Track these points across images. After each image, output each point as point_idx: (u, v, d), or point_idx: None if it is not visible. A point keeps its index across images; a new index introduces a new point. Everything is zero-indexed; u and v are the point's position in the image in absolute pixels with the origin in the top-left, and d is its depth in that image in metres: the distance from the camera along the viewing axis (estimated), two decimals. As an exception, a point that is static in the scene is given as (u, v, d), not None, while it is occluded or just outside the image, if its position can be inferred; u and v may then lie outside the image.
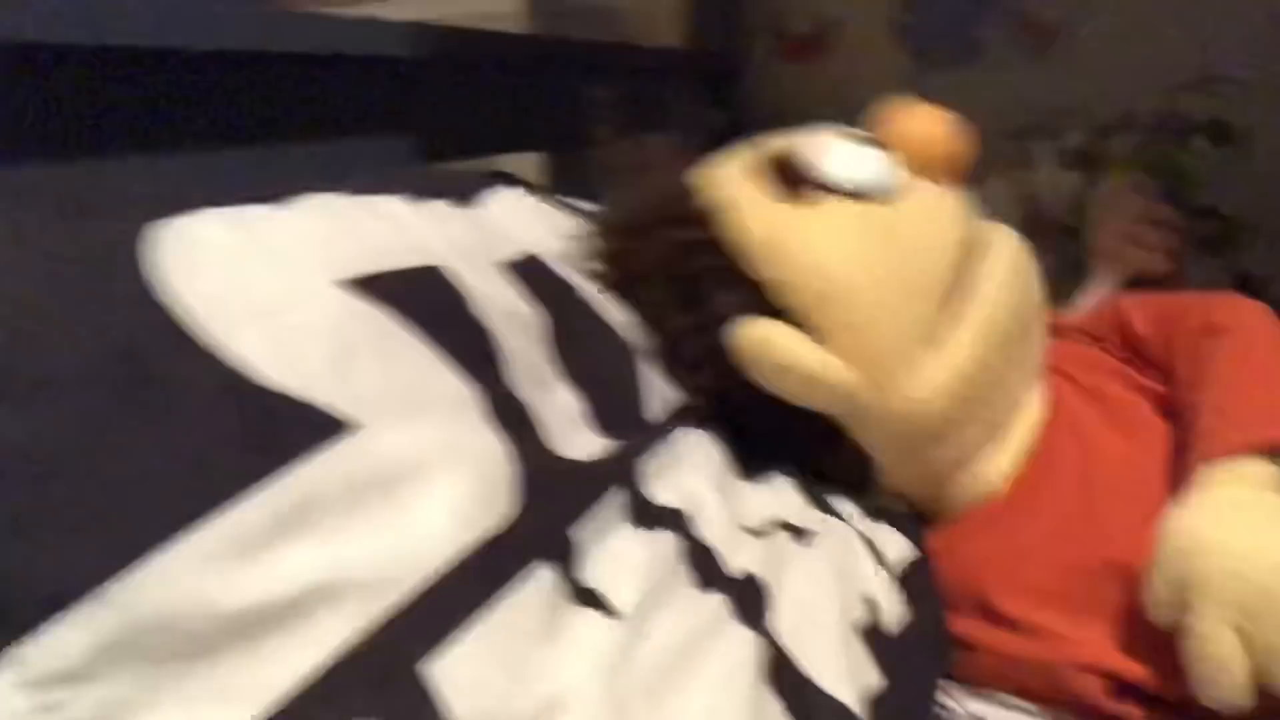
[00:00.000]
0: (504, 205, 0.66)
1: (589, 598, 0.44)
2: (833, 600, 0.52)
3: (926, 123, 0.66)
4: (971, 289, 0.64)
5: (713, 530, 0.52)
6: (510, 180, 1.01)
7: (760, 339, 0.61)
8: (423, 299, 0.48)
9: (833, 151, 0.64)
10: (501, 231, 0.61)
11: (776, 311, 0.61)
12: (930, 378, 0.62)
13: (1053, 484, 0.64)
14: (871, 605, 0.55)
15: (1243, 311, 0.64)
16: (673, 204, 0.63)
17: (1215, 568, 0.50)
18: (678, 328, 0.63)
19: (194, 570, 0.34)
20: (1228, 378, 0.60)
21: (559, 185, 1.57)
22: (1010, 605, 0.61)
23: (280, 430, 0.38)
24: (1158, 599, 0.53)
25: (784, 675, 0.46)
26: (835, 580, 0.53)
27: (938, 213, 0.65)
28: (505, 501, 0.44)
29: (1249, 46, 1.32)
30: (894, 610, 0.57)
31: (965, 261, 0.64)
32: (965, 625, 0.62)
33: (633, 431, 0.58)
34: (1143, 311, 0.70)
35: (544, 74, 1.14)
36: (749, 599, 0.49)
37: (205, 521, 0.35)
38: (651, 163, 0.70)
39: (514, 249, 0.60)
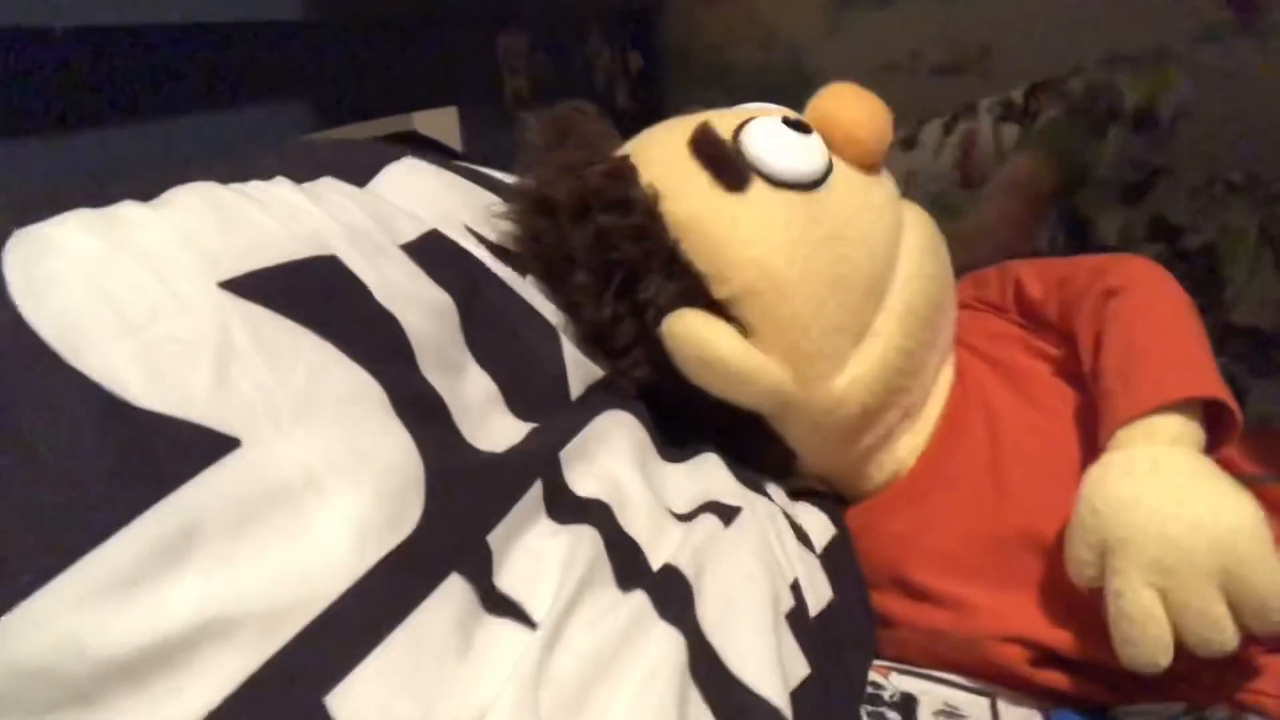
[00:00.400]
0: (403, 179, 0.62)
1: (505, 607, 0.42)
2: (760, 588, 0.51)
3: (855, 107, 0.64)
4: (890, 276, 0.62)
5: (637, 520, 0.51)
6: (417, 142, 0.98)
7: (686, 333, 0.59)
8: (316, 292, 0.45)
9: (765, 137, 0.62)
10: (401, 209, 0.57)
11: (706, 300, 0.59)
12: (852, 371, 0.61)
13: (963, 456, 0.64)
14: (797, 590, 0.54)
15: (1137, 270, 0.64)
16: (601, 186, 0.59)
17: (1133, 528, 0.51)
18: (604, 315, 0.60)
19: (67, 614, 0.32)
20: (1131, 337, 0.59)
21: (476, 139, 1.53)
22: (928, 579, 0.61)
23: (156, 455, 0.35)
24: (1077, 560, 0.54)
25: (709, 672, 0.45)
26: (762, 568, 0.52)
27: (867, 203, 0.63)
28: (413, 507, 0.42)
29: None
30: (818, 592, 0.56)
31: (888, 249, 0.63)
32: (886, 601, 0.63)
33: (552, 411, 0.56)
34: (1035, 275, 0.70)
35: (456, 25, 1.09)
36: (672, 593, 0.47)
37: (78, 561, 0.32)
38: (572, 131, 0.65)
39: (415, 228, 0.56)
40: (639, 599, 0.46)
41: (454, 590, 0.40)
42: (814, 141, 0.63)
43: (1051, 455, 0.61)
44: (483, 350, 0.55)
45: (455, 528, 0.43)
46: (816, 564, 0.59)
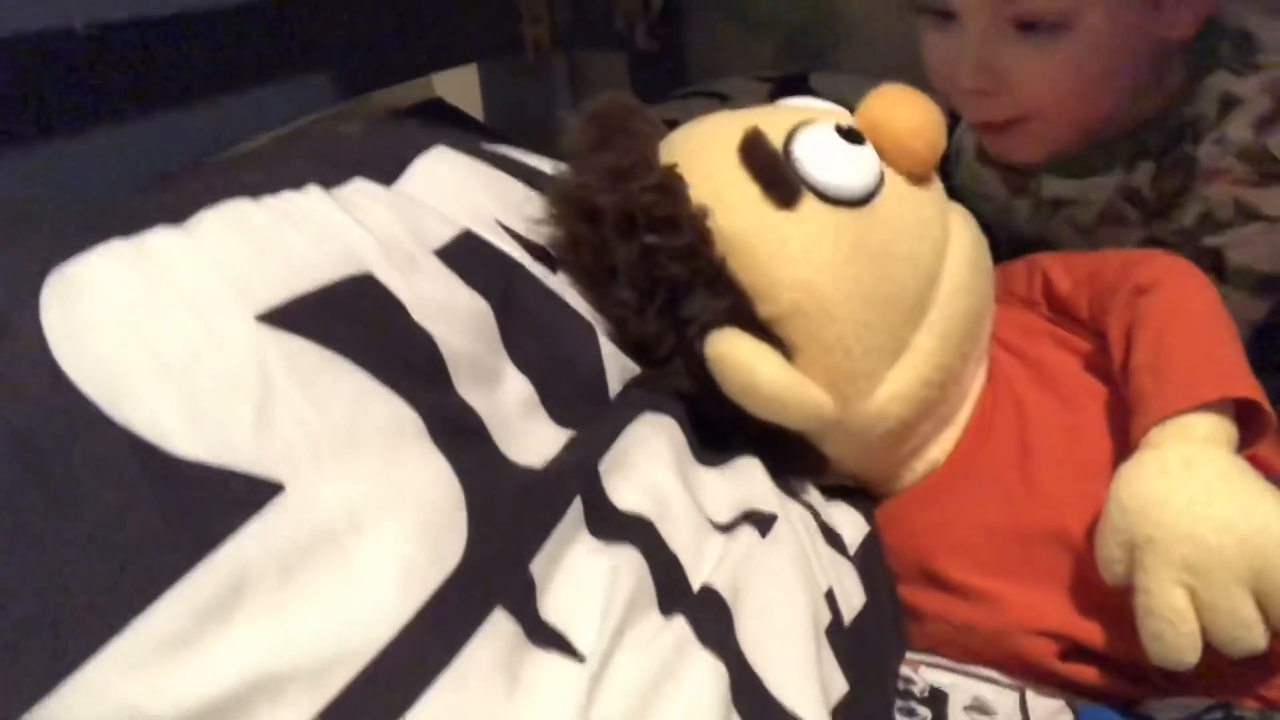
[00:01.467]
0: (433, 173, 0.61)
1: (550, 638, 0.42)
2: (798, 605, 0.51)
3: (909, 115, 0.61)
4: (934, 290, 0.61)
5: (679, 534, 0.51)
6: (441, 112, 0.96)
7: (730, 356, 0.58)
8: (353, 317, 0.45)
9: (818, 150, 0.59)
10: (433, 210, 0.56)
11: (750, 317, 0.58)
12: (891, 387, 0.60)
13: (992, 451, 0.64)
14: (831, 600, 0.54)
15: (1167, 266, 0.63)
16: (649, 203, 0.57)
17: (1163, 526, 0.51)
18: (647, 330, 0.59)
19: (121, 681, 0.32)
20: (1162, 335, 0.59)
21: (498, 95, 1.50)
22: (957, 573, 0.61)
23: (201, 509, 0.35)
24: (1108, 557, 0.54)
25: (751, 698, 0.45)
26: (799, 582, 0.52)
27: (917, 217, 0.61)
28: (455, 540, 0.42)
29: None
30: (851, 599, 0.57)
31: (934, 263, 0.62)
32: (915, 594, 0.63)
33: (590, 412, 0.55)
34: (1063, 269, 0.69)
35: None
36: (712, 617, 0.47)
37: (128, 626, 0.32)
38: (616, 130, 0.62)
39: (448, 229, 0.55)
40: (679, 626, 0.46)
41: (499, 626, 0.40)
42: (867, 153, 0.61)
43: (1080, 451, 0.61)
44: (520, 353, 0.54)
45: (498, 558, 0.43)
46: (848, 567, 0.59)
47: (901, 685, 0.59)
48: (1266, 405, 0.55)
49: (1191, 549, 0.50)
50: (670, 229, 0.57)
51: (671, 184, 0.59)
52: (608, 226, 0.58)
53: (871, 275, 0.59)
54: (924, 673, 0.60)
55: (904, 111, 0.62)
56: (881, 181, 0.60)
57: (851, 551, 0.61)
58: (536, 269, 0.60)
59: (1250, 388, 0.55)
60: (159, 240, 0.42)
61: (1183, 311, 0.60)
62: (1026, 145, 0.75)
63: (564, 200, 0.61)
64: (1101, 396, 0.63)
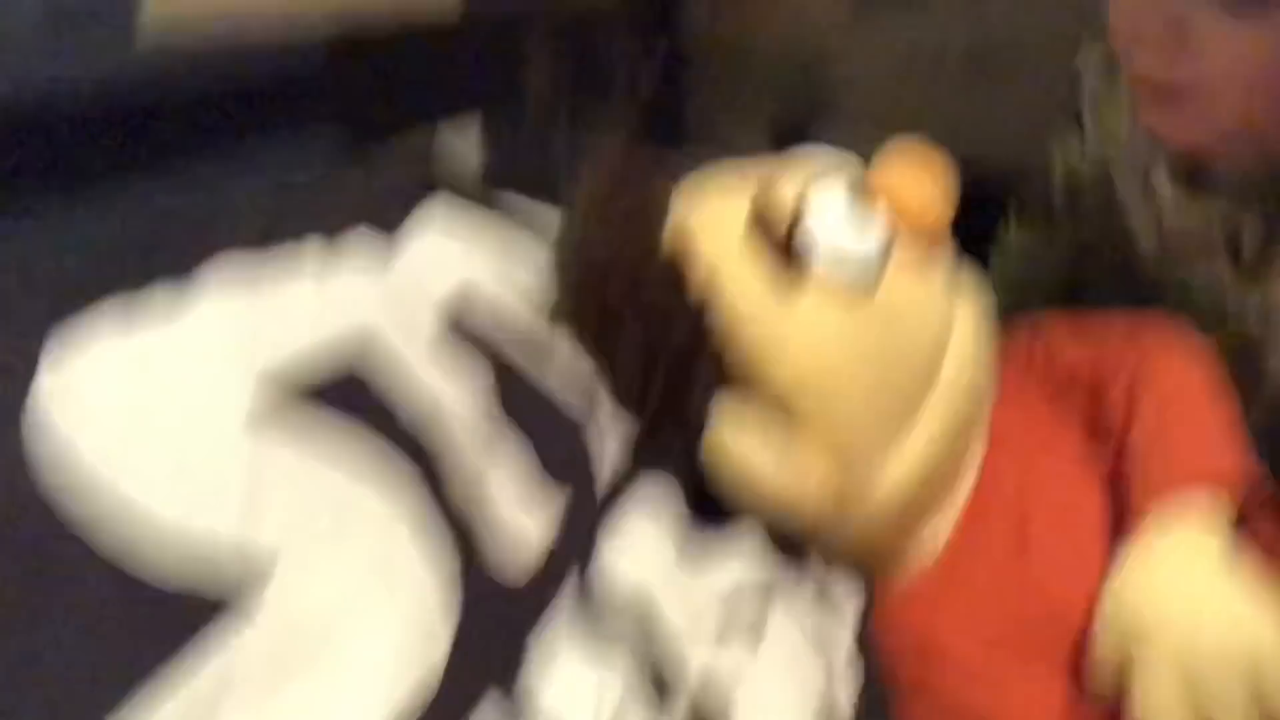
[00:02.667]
0: (434, 233, 0.60)
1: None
2: (798, 693, 0.50)
3: (924, 185, 0.60)
4: (937, 367, 0.60)
5: (674, 617, 0.50)
6: (446, 179, 0.97)
7: (729, 449, 0.57)
8: (347, 405, 0.44)
9: (829, 227, 0.58)
10: (432, 274, 0.56)
11: (750, 409, 0.58)
12: (893, 473, 0.59)
13: (991, 532, 0.62)
14: (830, 681, 0.54)
15: (1169, 340, 0.63)
16: (656, 280, 0.57)
17: (1161, 632, 0.51)
18: (648, 405, 0.58)
19: None
20: (1163, 416, 0.58)
21: (500, 146, 1.52)
22: (954, 649, 0.59)
23: (184, 613, 0.35)
24: (1104, 656, 0.54)
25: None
26: (800, 669, 0.52)
27: (925, 292, 0.60)
28: (440, 645, 0.41)
29: None
30: (850, 681, 0.56)
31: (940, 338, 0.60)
32: (912, 671, 0.61)
33: (586, 481, 0.55)
34: (1064, 337, 0.68)
35: (478, 33, 1.08)
36: (709, 716, 0.47)
37: None
38: (626, 184, 0.62)
39: (447, 292, 0.55)
40: None
41: (488, 717, 0.40)
42: (878, 227, 0.59)
43: (1081, 525, 0.60)
44: (513, 429, 0.53)
45: (486, 652, 0.42)
46: (847, 642, 0.58)
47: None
48: (1262, 486, 0.56)
49: (1190, 657, 0.50)
50: (676, 307, 0.57)
51: (677, 263, 0.58)
52: (612, 297, 0.58)
53: (876, 358, 0.57)
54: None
55: (918, 182, 0.59)
56: (890, 255, 0.59)
57: (850, 622, 0.60)
58: (535, 334, 0.59)
59: (1247, 467, 0.56)
60: (159, 300, 0.42)
61: (1185, 388, 0.60)
62: (1183, 122, 0.65)
63: (569, 262, 0.61)
64: (1101, 468, 0.62)
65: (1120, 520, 0.57)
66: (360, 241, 0.54)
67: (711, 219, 0.60)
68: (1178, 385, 0.60)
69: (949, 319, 0.61)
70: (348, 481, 0.41)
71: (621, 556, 0.51)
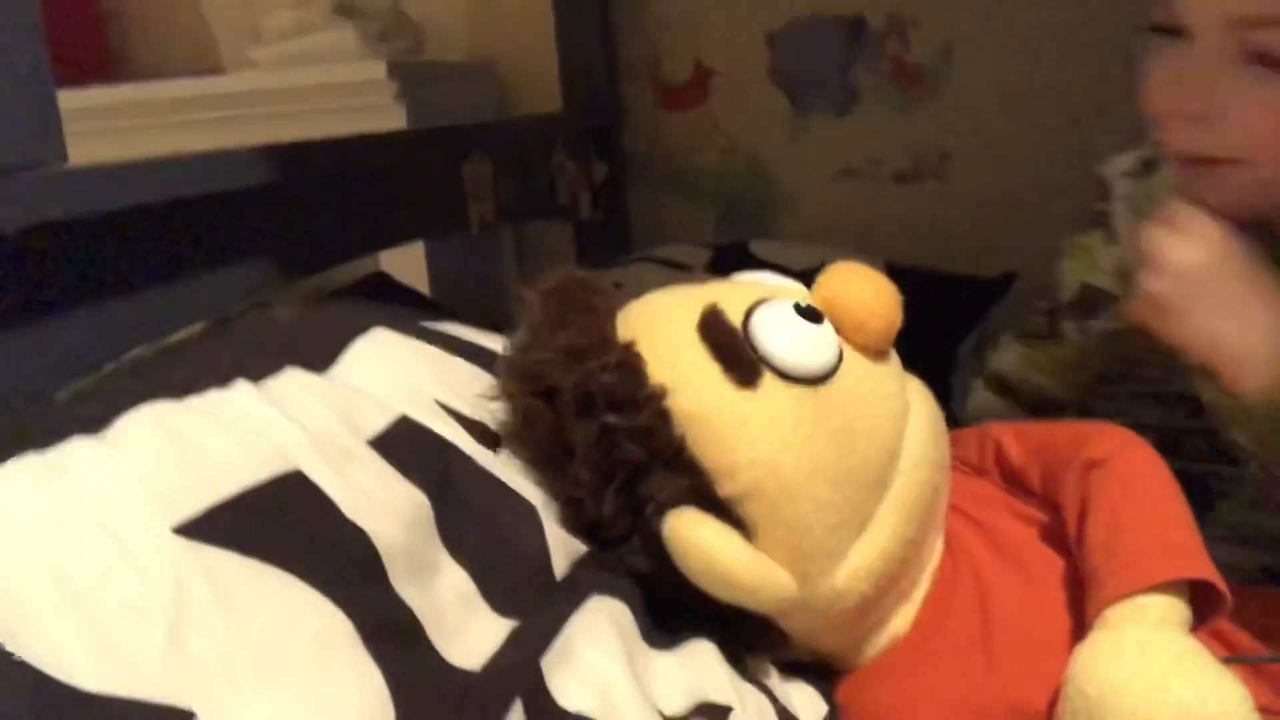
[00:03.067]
0: (370, 357, 0.60)
1: None
2: None
3: (866, 293, 0.62)
4: (894, 464, 0.61)
5: None
6: (384, 287, 0.97)
7: (690, 538, 0.57)
8: (279, 521, 0.43)
9: (777, 329, 0.60)
10: (368, 396, 0.56)
11: (709, 497, 0.58)
12: (853, 563, 0.59)
13: (954, 624, 0.63)
14: None
15: (1116, 442, 0.63)
16: (608, 384, 0.57)
17: (1121, 713, 0.51)
18: (604, 511, 0.58)
19: None
20: (1115, 514, 0.59)
21: (444, 269, 1.53)
22: None
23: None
24: None
25: None
26: None
27: (877, 392, 0.61)
28: None
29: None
30: None
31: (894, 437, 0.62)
32: None
33: (534, 598, 0.54)
34: (1014, 440, 0.69)
35: (419, 163, 1.09)
36: None
37: None
38: (573, 307, 0.62)
39: (383, 417, 0.55)
40: None
41: None
42: (826, 332, 0.61)
43: (1040, 623, 0.61)
44: (457, 543, 0.53)
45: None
46: None
47: None
48: (1220, 584, 0.55)
49: None
50: (629, 409, 0.57)
51: (631, 363, 0.58)
52: (565, 405, 0.58)
53: (833, 452, 0.58)
54: None
55: (861, 288, 0.62)
56: (840, 358, 0.60)
57: None
58: (476, 450, 0.59)
59: (1202, 567, 0.56)
60: (74, 455, 0.41)
61: (1135, 487, 0.60)
62: (1227, 192, 0.63)
63: (520, 377, 0.60)
64: (1058, 566, 0.63)
65: (1080, 616, 0.58)
66: (290, 382, 0.53)
67: (661, 326, 0.61)
68: (1127, 486, 0.60)
69: (901, 416, 0.62)
70: (274, 617, 0.40)
71: (571, 686, 0.49)
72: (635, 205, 1.76)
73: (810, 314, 0.61)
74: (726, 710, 0.54)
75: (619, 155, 1.72)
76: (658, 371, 0.58)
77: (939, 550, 0.66)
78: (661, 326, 0.61)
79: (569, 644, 0.52)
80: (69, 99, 0.62)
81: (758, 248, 1.45)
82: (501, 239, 1.63)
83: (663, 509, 0.57)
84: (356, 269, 1.09)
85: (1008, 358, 1.00)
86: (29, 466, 0.39)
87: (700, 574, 0.57)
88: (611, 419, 0.57)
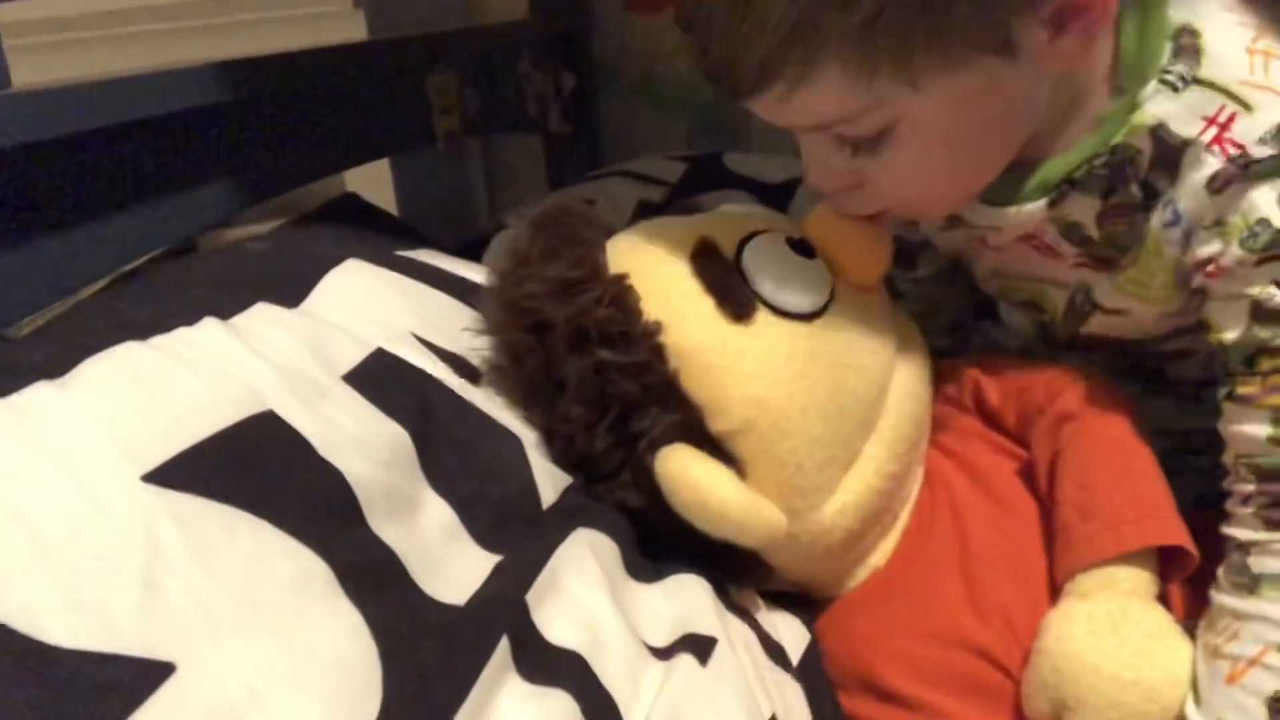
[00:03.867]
0: (343, 289, 0.59)
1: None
2: None
3: (858, 230, 0.61)
4: (883, 400, 0.61)
5: (614, 668, 0.48)
6: (353, 207, 0.94)
7: (681, 474, 0.56)
8: (250, 463, 0.42)
9: (771, 265, 0.59)
10: (341, 329, 0.54)
11: (702, 432, 0.57)
12: (841, 499, 0.59)
13: (933, 555, 0.63)
14: None
15: (1091, 393, 0.62)
16: (603, 318, 0.56)
17: (1092, 691, 0.53)
18: (596, 447, 0.57)
19: None
20: (1086, 473, 0.59)
21: (411, 187, 1.49)
22: (897, 682, 0.60)
23: (81, 703, 0.32)
24: (1037, 710, 0.56)
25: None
26: (742, 711, 0.50)
27: (868, 328, 0.60)
28: (370, 704, 0.39)
29: None
30: (795, 714, 0.55)
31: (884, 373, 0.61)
32: (855, 704, 0.61)
33: (522, 529, 0.53)
34: (993, 381, 0.68)
35: (382, 76, 1.05)
36: None
37: None
38: (564, 239, 0.60)
39: (358, 350, 0.53)
40: None
41: None
42: (818, 267, 0.60)
43: (1017, 555, 0.61)
44: (441, 477, 0.52)
45: (423, 706, 0.40)
46: (791, 682, 0.57)
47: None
48: (1190, 547, 0.56)
49: (1120, 715, 0.53)
50: (624, 344, 0.56)
51: (624, 297, 0.57)
52: (557, 340, 0.56)
53: (825, 388, 0.58)
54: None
55: (851, 225, 0.60)
56: (833, 295, 0.60)
57: (795, 662, 0.59)
58: (456, 384, 0.57)
59: (1173, 531, 0.56)
60: (38, 399, 0.39)
61: (1107, 445, 0.60)
62: (915, 220, 0.71)
63: (509, 310, 0.59)
64: (1034, 499, 0.63)
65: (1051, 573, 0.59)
66: (260, 317, 0.51)
67: (654, 260, 0.60)
68: (1098, 443, 0.60)
69: (891, 352, 0.62)
70: (249, 563, 0.39)
71: (557, 620, 0.49)
72: (605, 117, 1.72)
73: (802, 248, 0.60)
74: (712, 641, 0.54)
75: (587, 64, 1.67)
76: (651, 306, 0.57)
77: (919, 482, 0.66)
78: (654, 259, 0.60)
79: (555, 577, 0.52)
80: (4, 12, 0.59)
81: (731, 160, 1.42)
82: (469, 154, 1.59)
83: (655, 445, 0.57)
84: (323, 189, 1.07)
85: None
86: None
87: (691, 510, 0.56)
88: (606, 354, 0.56)
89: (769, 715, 0.52)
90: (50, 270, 0.60)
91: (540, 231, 0.60)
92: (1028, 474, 0.64)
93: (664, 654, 0.52)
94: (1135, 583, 0.55)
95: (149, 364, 0.43)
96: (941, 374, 0.70)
